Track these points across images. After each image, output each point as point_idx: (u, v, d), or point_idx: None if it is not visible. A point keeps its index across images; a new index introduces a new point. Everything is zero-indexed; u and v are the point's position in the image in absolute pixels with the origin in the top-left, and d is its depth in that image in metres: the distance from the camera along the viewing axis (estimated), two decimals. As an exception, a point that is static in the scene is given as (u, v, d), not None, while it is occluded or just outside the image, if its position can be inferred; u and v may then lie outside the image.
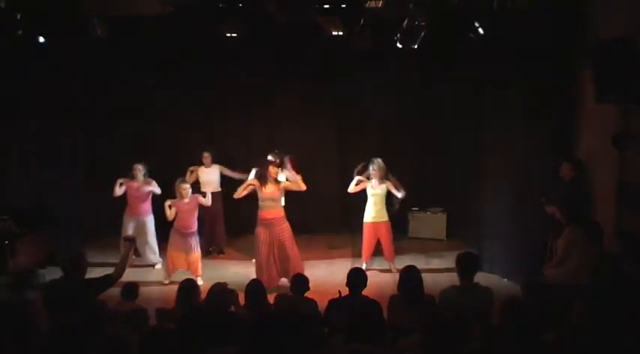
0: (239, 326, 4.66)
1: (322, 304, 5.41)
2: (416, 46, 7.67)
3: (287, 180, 8.12)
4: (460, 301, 4.93)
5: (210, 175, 9.31)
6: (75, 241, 9.10)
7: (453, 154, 9.78)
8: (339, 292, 5.36)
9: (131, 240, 6.12)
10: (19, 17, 7.04)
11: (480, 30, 7.22)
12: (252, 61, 9.95)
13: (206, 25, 8.25)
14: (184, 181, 8.21)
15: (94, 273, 5.67)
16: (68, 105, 9.28)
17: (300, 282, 5.72)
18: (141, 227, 8.65)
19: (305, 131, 10.25)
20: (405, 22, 7.47)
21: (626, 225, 6.08)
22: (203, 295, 5.23)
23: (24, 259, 7.87)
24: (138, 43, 9.49)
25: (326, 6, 7.13)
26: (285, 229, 7.81)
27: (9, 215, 7.86)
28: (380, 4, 7.60)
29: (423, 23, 7.36)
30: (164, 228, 8.33)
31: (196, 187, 8.99)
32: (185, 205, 8.03)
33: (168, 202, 8.03)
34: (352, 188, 8.43)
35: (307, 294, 5.66)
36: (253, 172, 8.19)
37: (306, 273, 6.70)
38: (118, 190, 8.53)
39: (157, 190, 8.60)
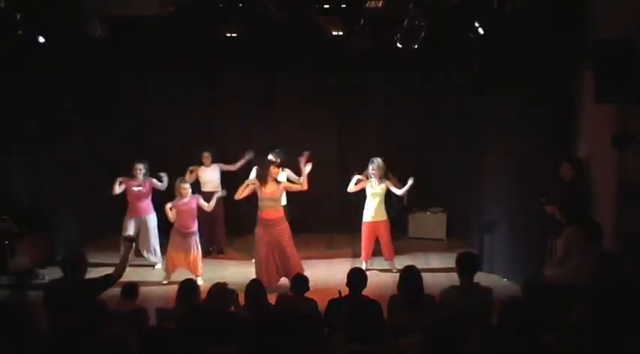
0: (239, 326, 4.66)
1: (322, 304, 5.41)
2: (416, 46, 7.68)
3: (287, 180, 8.11)
4: (460, 301, 4.93)
5: (210, 175, 9.32)
6: (75, 241, 9.13)
7: (452, 154, 9.78)
8: (339, 292, 5.36)
9: (131, 240, 6.12)
10: (19, 17, 7.04)
11: (480, 30, 7.21)
12: (252, 61, 9.96)
13: (206, 25, 8.25)
14: (184, 181, 8.22)
15: (94, 273, 5.67)
16: (68, 105, 9.28)
17: (300, 282, 5.72)
18: (142, 226, 8.65)
19: (305, 131, 10.25)
20: (405, 22, 7.47)
21: (626, 225, 6.07)
22: (203, 295, 5.23)
23: (24, 259, 7.88)
24: (138, 43, 9.51)
25: (326, 6, 7.13)
26: (283, 229, 7.80)
27: (9, 215, 7.86)
28: (380, 4, 7.61)
29: (423, 23, 7.36)
30: (168, 228, 8.33)
31: (196, 186, 9.00)
32: (184, 205, 8.03)
33: (168, 205, 8.03)
34: (352, 188, 8.43)
35: (307, 294, 5.66)
36: (254, 171, 8.19)
37: (306, 273, 6.70)
38: (117, 189, 8.53)
39: (161, 185, 8.60)
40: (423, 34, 7.49)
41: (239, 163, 9.40)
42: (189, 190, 8.12)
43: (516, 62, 7.49)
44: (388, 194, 8.47)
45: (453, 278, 5.31)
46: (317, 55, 9.73)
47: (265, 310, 5.21)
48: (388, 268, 8.52)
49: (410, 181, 8.29)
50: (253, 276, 7.27)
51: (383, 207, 8.45)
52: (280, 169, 8.11)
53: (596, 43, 6.13)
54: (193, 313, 4.82)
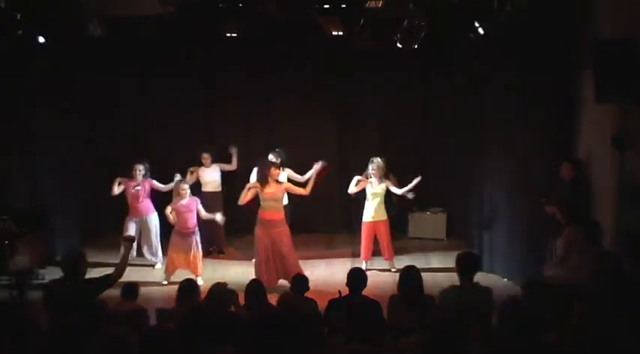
0: (239, 326, 4.66)
1: (322, 304, 5.41)
2: (416, 46, 7.67)
3: (288, 179, 8.10)
4: (460, 301, 4.93)
5: (210, 176, 9.31)
6: (75, 241, 9.13)
7: (452, 154, 9.78)
8: (339, 292, 5.36)
9: (131, 240, 6.12)
10: (19, 17, 7.04)
11: (480, 30, 7.21)
12: (252, 61, 9.96)
13: (206, 25, 8.25)
14: (183, 182, 8.21)
15: (94, 273, 5.68)
16: (68, 105, 9.28)
17: (300, 282, 5.72)
18: (144, 226, 8.66)
19: (305, 131, 10.26)
20: (405, 22, 7.47)
21: (626, 225, 6.07)
22: (203, 295, 5.23)
23: (24, 259, 7.87)
24: (138, 43, 9.50)
25: (326, 6, 7.13)
26: (283, 232, 7.79)
27: (9, 215, 7.86)
28: (380, 4, 7.61)
29: (423, 23, 7.36)
30: (169, 230, 8.33)
31: (197, 187, 9.01)
32: (183, 207, 8.03)
33: (168, 209, 8.03)
34: (352, 189, 8.42)
35: (307, 294, 5.66)
36: (254, 173, 8.20)
37: (306, 273, 6.71)
38: (116, 189, 8.53)
39: (162, 187, 8.59)
40: (423, 34, 7.50)
41: (234, 161, 9.42)
42: (188, 191, 8.12)
43: (516, 62, 7.49)
44: (388, 194, 8.47)
45: (453, 278, 5.31)
46: (317, 55, 9.73)
47: (265, 310, 5.21)
48: (388, 268, 8.52)
49: (416, 180, 8.26)
50: (253, 276, 7.27)
51: (383, 207, 8.45)
52: (281, 169, 8.10)
53: (596, 43, 6.13)
54: (193, 313, 4.81)
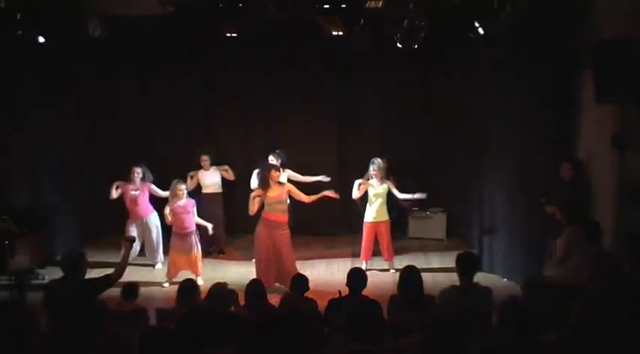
0: (239, 326, 4.65)
1: (322, 304, 5.41)
2: (416, 46, 7.67)
3: (288, 180, 8.09)
4: (460, 301, 4.93)
5: (211, 178, 9.28)
6: (75, 241, 9.12)
7: (453, 154, 9.78)
8: (339, 292, 5.36)
9: (131, 240, 6.12)
10: (19, 17, 7.04)
11: (480, 30, 7.21)
12: (252, 61, 9.95)
13: (206, 25, 8.25)
14: (181, 182, 8.17)
15: (94, 273, 5.68)
16: (68, 105, 9.28)
17: (300, 282, 5.71)
18: (145, 228, 8.64)
19: (305, 131, 10.25)
20: (405, 22, 7.47)
21: (626, 225, 6.07)
22: (203, 295, 5.23)
23: (24, 259, 7.87)
24: (138, 43, 9.50)
25: (326, 6, 7.13)
26: (283, 235, 7.77)
27: (9, 215, 7.86)
28: (380, 4, 7.62)
29: (423, 23, 7.36)
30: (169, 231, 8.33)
31: (198, 189, 9.01)
32: (180, 208, 8.02)
33: (167, 210, 8.03)
34: (355, 194, 8.36)
35: (307, 294, 5.66)
36: (255, 174, 8.19)
37: (306, 273, 6.69)
38: (114, 193, 8.52)
39: (161, 192, 8.59)
40: (423, 34, 7.50)
41: (230, 174, 9.33)
42: (185, 192, 8.11)
43: (516, 62, 7.49)
44: (390, 194, 8.46)
45: (453, 278, 5.31)
46: (317, 55, 9.73)
47: (265, 310, 5.21)
48: (388, 268, 8.52)
49: (417, 195, 8.33)
50: (253, 276, 7.27)
51: (385, 207, 8.45)
52: (281, 170, 8.09)
53: (596, 43, 6.13)
54: (193, 313, 4.81)
